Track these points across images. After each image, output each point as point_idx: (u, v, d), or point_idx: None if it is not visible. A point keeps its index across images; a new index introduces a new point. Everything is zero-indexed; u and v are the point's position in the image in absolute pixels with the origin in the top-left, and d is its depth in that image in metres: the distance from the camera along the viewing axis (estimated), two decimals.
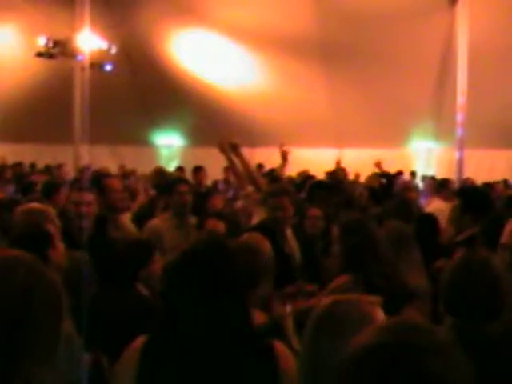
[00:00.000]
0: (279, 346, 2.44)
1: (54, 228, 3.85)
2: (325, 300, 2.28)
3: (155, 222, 5.82)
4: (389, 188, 10.26)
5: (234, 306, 2.37)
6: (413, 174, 17.01)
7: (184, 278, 2.39)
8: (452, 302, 2.67)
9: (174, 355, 2.32)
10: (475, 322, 2.57)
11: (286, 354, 2.43)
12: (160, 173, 10.85)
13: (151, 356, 2.34)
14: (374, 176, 11.45)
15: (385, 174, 11.37)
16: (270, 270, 3.56)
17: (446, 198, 8.22)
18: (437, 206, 7.92)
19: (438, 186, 9.45)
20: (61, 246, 3.70)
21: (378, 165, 11.77)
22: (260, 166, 14.63)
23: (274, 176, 9.45)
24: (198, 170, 11.59)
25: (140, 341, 2.40)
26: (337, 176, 12.38)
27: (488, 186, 10.53)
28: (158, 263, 4.02)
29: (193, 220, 5.87)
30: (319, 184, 8.04)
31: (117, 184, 5.77)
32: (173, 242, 5.33)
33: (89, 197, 5.26)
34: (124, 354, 2.40)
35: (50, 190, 7.07)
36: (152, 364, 2.32)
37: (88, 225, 5.06)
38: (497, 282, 2.61)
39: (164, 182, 8.57)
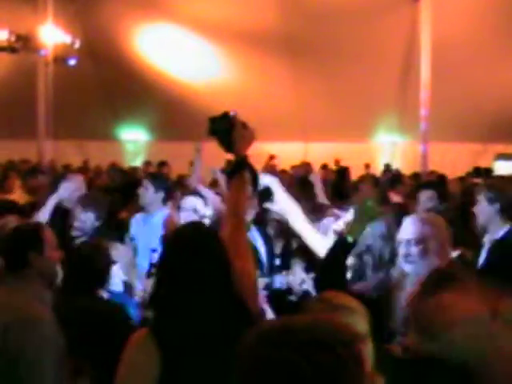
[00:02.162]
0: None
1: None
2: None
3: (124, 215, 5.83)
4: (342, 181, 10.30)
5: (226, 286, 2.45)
6: (387, 167, 17.14)
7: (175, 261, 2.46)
8: None
9: (178, 341, 2.36)
10: None
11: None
12: (116, 169, 10.86)
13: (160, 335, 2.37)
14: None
15: (339, 170, 11.45)
16: None
17: (399, 193, 8.09)
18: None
19: (392, 182, 9.16)
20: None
21: (336, 163, 11.96)
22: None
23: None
24: (163, 165, 11.61)
25: (142, 332, 2.44)
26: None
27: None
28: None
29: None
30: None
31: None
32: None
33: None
34: (127, 348, 2.41)
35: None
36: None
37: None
38: None
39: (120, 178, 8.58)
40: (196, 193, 5.66)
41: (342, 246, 3.36)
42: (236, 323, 2.35)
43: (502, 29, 16.02)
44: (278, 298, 4.39)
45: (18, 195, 7.18)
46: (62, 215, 5.47)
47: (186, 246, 2.48)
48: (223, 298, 2.42)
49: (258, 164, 10.86)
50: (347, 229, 3.37)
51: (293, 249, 5.03)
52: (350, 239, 3.34)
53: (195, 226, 2.80)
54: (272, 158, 10.71)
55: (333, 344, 1.27)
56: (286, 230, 5.10)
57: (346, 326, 1.40)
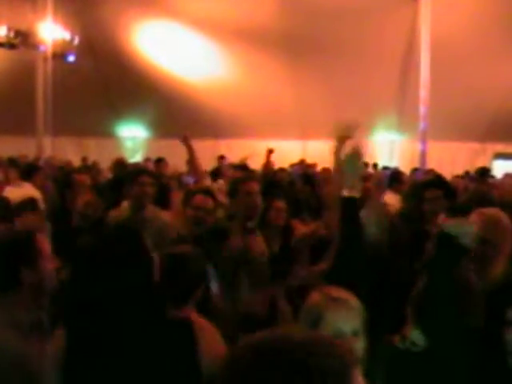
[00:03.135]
0: (198, 319, 2.51)
1: None
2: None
3: (115, 213, 5.71)
4: None
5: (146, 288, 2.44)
6: (375, 165, 17.13)
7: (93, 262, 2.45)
8: None
9: (94, 340, 2.37)
10: None
11: (205, 326, 2.51)
12: (120, 164, 10.80)
13: (74, 346, 2.38)
14: None
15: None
16: None
17: (397, 191, 8.05)
18: (387, 200, 7.71)
19: (390, 180, 9.12)
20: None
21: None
22: (222, 157, 14.66)
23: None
24: (160, 162, 11.61)
25: (59, 333, 2.45)
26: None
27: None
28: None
29: (152, 211, 5.77)
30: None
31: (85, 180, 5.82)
32: None
33: None
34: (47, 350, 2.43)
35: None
36: (75, 354, 2.36)
37: None
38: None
39: (124, 172, 8.47)
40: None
41: (349, 206, 3.27)
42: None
43: (501, 28, 16.03)
44: None
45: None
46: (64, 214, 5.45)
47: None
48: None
49: (257, 161, 10.89)
50: (346, 186, 3.29)
51: None
52: (354, 195, 3.27)
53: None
54: (271, 151, 10.65)
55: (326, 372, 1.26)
56: None
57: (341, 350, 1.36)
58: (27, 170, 8.06)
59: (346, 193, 3.25)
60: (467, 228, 2.69)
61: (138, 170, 6.87)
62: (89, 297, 2.40)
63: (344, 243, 3.29)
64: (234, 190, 5.15)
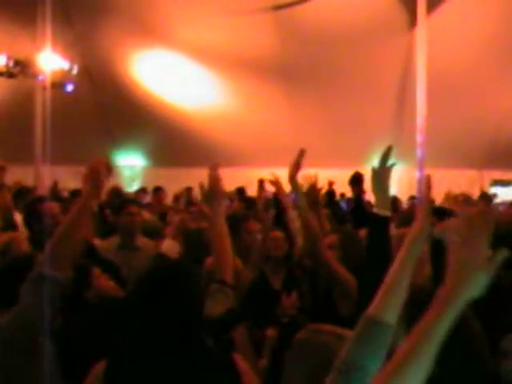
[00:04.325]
0: (240, 361, 2.47)
1: None
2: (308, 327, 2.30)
3: (97, 243, 5.69)
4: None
5: (192, 328, 2.39)
6: None
7: (143, 303, 2.41)
8: None
9: (136, 378, 2.33)
10: None
11: (246, 369, 2.46)
12: (115, 192, 10.78)
13: (114, 380, 2.34)
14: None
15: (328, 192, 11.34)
16: None
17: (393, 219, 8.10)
18: None
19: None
20: None
21: (330, 184, 11.85)
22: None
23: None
24: (158, 191, 11.59)
25: (101, 366, 2.40)
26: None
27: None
28: (101, 278, 3.89)
29: (143, 241, 5.78)
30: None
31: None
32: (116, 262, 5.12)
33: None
34: (87, 381, 2.39)
35: None
36: None
37: None
38: None
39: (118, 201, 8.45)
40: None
41: (379, 225, 3.04)
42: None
43: (497, 56, 16.15)
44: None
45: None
46: None
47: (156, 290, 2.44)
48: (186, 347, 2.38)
49: (254, 191, 10.87)
50: (376, 205, 3.06)
51: None
52: (384, 213, 3.03)
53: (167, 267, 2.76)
54: (262, 182, 10.70)
55: None
56: None
57: None
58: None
59: (376, 210, 3.03)
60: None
61: (124, 200, 6.85)
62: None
63: (370, 264, 3.08)
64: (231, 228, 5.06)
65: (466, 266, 1.61)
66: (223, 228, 3.25)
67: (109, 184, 9.92)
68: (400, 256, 1.89)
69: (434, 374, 1.61)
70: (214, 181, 3.33)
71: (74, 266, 3.39)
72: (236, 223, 4.97)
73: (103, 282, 3.65)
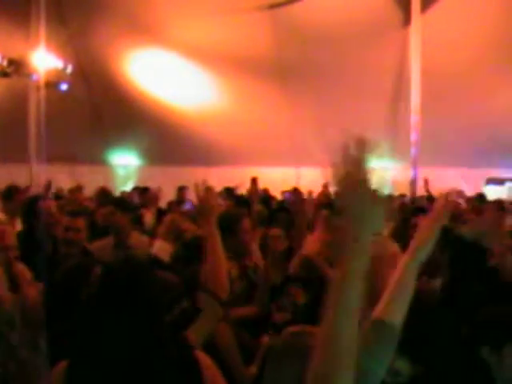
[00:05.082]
0: (202, 356, 2.48)
1: None
2: (285, 331, 2.29)
3: (98, 244, 5.71)
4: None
5: (154, 324, 2.40)
6: None
7: (103, 299, 2.42)
8: None
9: (97, 376, 2.33)
10: None
11: (209, 364, 2.48)
12: (104, 193, 10.79)
13: (75, 380, 2.34)
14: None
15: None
16: None
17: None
18: None
19: None
20: None
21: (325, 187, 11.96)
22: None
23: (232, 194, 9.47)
24: (145, 192, 11.56)
25: (62, 365, 2.40)
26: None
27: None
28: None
29: (137, 238, 5.78)
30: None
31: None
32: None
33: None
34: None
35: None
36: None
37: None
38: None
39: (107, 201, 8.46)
40: None
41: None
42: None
43: (491, 54, 16.18)
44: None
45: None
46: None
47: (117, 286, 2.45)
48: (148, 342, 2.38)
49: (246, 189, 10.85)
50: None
51: None
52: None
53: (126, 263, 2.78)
54: (254, 180, 10.74)
55: None
56: None
57: None
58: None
59: None
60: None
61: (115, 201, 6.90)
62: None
63: None
64: (224, 228, 4.97)
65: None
66: (217, 239, 3.30)
67: (98, 185, 9.92)
68: (405, 261, 1.91)
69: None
70: (205, 199, 3.41)
71: (76, 265, 3.43)
72: (231, 222, 4.94)
73: None
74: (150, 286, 2.47)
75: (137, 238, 5.82)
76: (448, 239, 4.70)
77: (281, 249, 5.37)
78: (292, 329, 2.32)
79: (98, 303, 2.43)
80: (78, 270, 3.28)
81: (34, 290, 3.07)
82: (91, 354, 2.37)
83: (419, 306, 2.53)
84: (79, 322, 2.56)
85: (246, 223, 4.97)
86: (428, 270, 4.87)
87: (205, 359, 2.49)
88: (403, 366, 2.45)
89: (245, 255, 4.96)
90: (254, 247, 5.49)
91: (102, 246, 5.59)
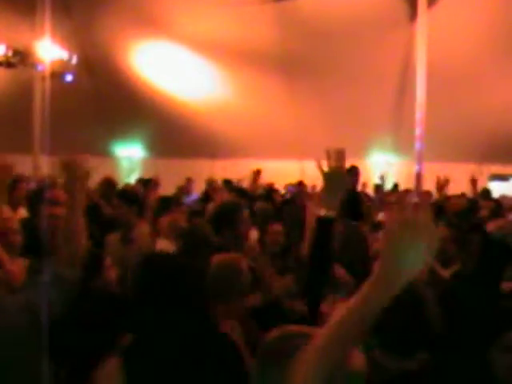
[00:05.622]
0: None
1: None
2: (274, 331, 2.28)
3: (113, 237, 5.72)
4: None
5: (195, 313, 2.42)
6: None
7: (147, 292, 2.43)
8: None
9: (149, 365, 2.34)
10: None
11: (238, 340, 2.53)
12: (108, 183, 10.76)
13: (132, 369, 2.35)
14: None
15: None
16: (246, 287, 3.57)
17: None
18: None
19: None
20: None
21: None
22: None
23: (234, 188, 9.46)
24: (147, 184, 11.52)
25: (114, 360, 2.40)
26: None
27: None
28: (112, 269, 3.93)
29: (139, 230, 5.79)
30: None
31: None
32: (115, 255, 5.12)
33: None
34: (101, 372, 2.39)
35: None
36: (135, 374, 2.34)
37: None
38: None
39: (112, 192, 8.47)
40: None
41: (323, 226, 3.10)
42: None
43: (497, 50, 16.13)
44: None
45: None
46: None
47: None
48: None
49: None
50: (322, 204, 3.13)
51: None
52: (330, 215, 3.09)
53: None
54: (258, 172, 10.74)
55: None
56: None
57: None
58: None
59: (322, 212, 3.11)
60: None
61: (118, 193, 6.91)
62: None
63: (313, 264, 3.15)
64: (222, 219, 4.91)
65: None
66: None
67: (102, 176, 9.91)
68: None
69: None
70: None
71: (88, 254, 3.46)
72: (228, 213, 4.91)
73: (113, 273, 3.70)
74: (196, 275, 2.56)
75: (138, 231, 5.82)
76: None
77: (277, 247, 5.37)
78: (284, 329, 2.30)
79: (146, 296, 2.45)
80: (90, 260, 3.32)
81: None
82: (144, 346, 2.39)
83: (410, 300, 2.53)
84: (128, 316, 2.59)
85: (244, 214, 4.94)
86: (440, 259, 4.91)
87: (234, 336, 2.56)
88: (390, 363, 2.44)
89: (243, 245, 4.93)
90: (253, 241, 5.49)
91: (113, 240, 5.62)
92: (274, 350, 2.10)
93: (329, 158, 3.15)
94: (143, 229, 5.98)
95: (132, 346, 2.44)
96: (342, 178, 3.15)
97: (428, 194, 10.83)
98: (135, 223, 5.88)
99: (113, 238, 5.73)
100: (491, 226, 5.92)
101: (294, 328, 2.18)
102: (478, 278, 3.73)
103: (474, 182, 11.70)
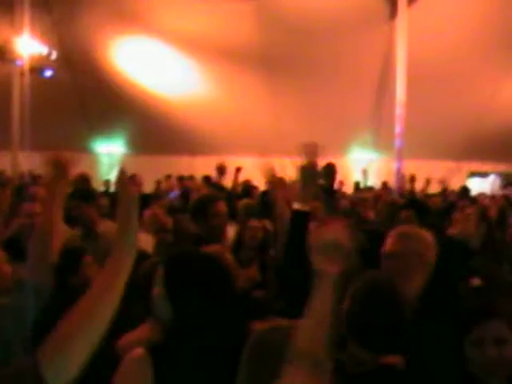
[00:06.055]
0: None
1: None
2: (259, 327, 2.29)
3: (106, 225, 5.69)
4: None
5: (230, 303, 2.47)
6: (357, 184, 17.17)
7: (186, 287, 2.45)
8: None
9: (185, 360, 2.33)
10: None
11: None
12: (82, 179, 10.70)
13: (163, 363, 2.30)
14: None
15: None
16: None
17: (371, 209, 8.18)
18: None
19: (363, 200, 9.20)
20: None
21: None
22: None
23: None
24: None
25: (140, 352, 2.31)
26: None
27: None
28: (92, 267, 3.86)
29: (107, 225, 5.76)
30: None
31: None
32: None
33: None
34: (126, 366, 2.33)
35: None
36: (167, 370, 2.29)
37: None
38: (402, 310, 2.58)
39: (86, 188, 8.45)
40: None
41: (298, 219, 3.18)
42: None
43: (477, 48, 16.24)
44: None
45: None
46: None
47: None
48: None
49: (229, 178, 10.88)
50: (298, 198, 3.23)
51: None
52: (305, 209, 3.18)
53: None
54: (239, 170, 10.76)
55: None
56: None
57: None
58: None
59: (296, 206, 3.17)
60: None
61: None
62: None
63: (287, 257, 3.21)
64: (199, 211, 4.75)
65: None
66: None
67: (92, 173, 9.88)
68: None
69: None
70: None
71: (66, 250, 3.44)
72: (203, 205, 4.81)
73: (93, 271, 3.63)
74: (221, 270, 2.56)
75: (106, 226, 5.75)
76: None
77: (255, 242, 5.36)
78: (268, 323, 2.32)
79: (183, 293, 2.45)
80: (67, 256, 3.30)
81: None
82: (178, 341, 2.36)
83: (385, 297, 2.54)
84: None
85: (220, 206, 4.82)
86: None
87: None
88: (367, 356, 2.44)
89: (219, 239, 4.83)
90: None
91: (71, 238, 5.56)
92: (264, 343, 2.12)
93: (302, 153, 3.21)
94: (109, 224, 5.91)
95: (162, 344, 2.41)
96: (315, 172, 3.21)
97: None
98: (97, 220, 5.82)
99: (73, 235, 5.68)
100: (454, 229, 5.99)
101: (281, 322, 2.21)
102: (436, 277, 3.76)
103: (427, 181, 12.10)
